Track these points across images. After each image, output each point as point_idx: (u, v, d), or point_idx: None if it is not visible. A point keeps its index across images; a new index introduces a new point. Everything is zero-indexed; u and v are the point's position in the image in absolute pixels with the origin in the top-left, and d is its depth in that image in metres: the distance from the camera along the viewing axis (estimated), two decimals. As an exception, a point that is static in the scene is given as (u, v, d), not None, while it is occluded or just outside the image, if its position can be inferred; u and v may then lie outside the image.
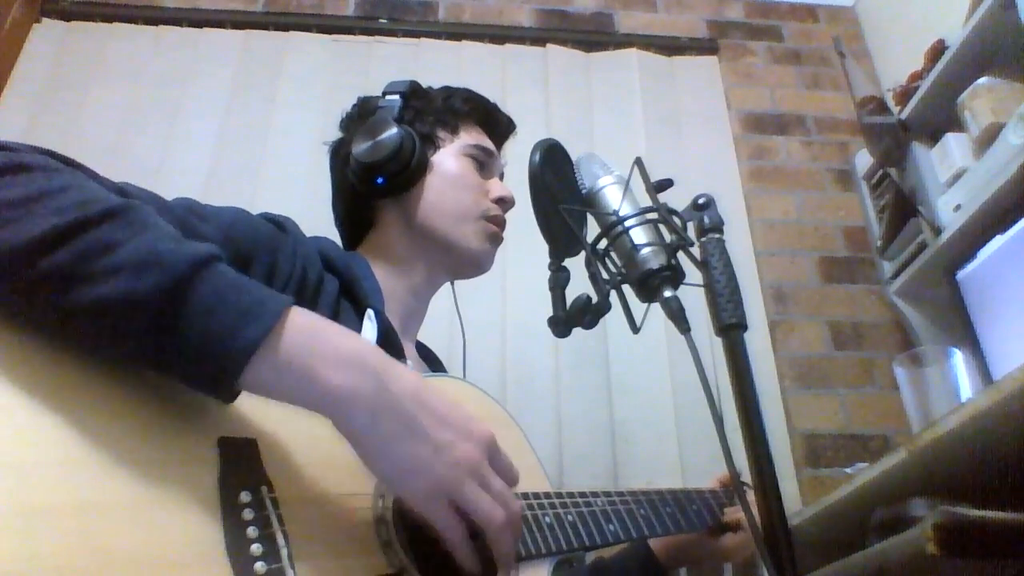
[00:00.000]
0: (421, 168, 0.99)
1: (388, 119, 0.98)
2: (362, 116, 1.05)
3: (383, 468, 0.58)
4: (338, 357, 0.57)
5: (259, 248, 0.78)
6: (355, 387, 0.57)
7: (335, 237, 1.06)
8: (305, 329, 0.57)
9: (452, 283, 1.10)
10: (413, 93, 1.06)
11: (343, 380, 0.56)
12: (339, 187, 1.07)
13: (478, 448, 0.61)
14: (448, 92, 1.09)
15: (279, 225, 0.86)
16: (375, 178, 0.97)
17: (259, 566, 0.54)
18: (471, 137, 1.06)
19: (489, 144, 1.08)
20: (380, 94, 1.06)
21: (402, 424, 0.58)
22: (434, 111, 1.05)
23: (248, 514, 0.56)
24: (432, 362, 1.08)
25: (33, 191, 0.53)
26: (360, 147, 0.97)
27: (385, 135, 0.97)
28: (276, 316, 0.55)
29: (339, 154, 1.06)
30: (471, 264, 1.03)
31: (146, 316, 0.51)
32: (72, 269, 0.51)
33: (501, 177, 1.10)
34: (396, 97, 1.02)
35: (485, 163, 1.06)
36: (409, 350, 0.98)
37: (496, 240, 1.04)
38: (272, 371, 0.55)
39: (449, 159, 1.03)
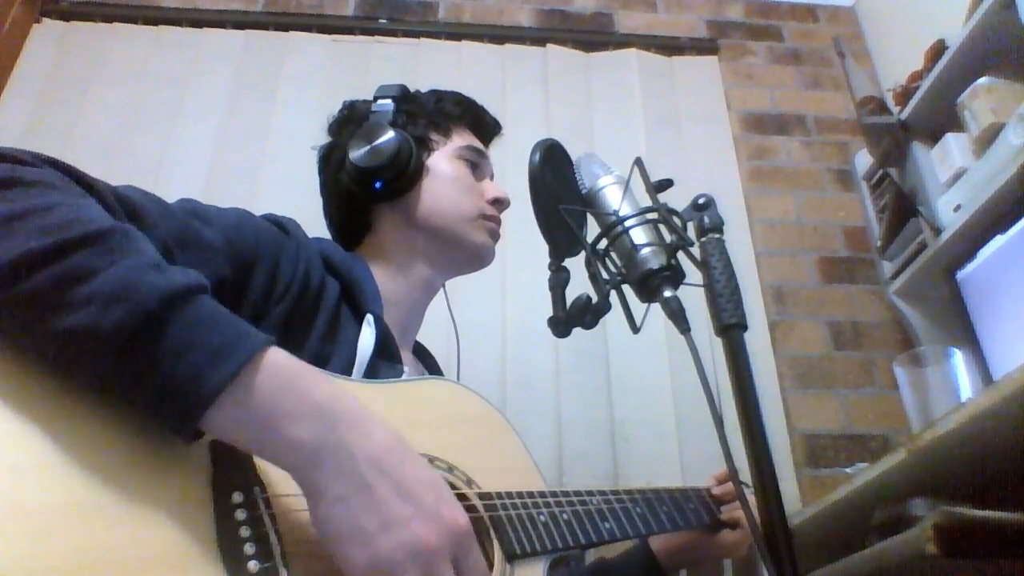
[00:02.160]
0: (418, 172, 1.00)
1: (384, 123, 0.99)
2: (353, 120, 1.05)
3: (324, 531, 0.54)
4: (304, 408, 0.55)
5: (262, 251, 0.78)
6: (316, 443, 0.54)
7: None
8: (274, 375, 0.55)
9: (444, 286, 1.10)
10: (404, 97, 1.06)
11: (303, 434, 0.54)
12: (332, 192, 1.07)
13: (437, 534, 0.55)
14: (438, 95, 1.10)
15: (282, 227, 0.85)
16: (373, 182, 0.97)
17: (252, 565, 0.54)
18: (463, 139, 1.07)
19: (480, 145, 1.09)
20: (370, 98, 1.06)
21: (355, 488, 0.54)
22: (426, 114, 1.05)
23: (241, 514, 0.56)
24: (430, 364, 1.08)
25: (19, 208, 0.53)
26: (357, 152, 0.97)
27: (382, 140, 0.97)
28: (243, 361, 0.53)
29: (331, 159, 1.06)
30: (474, 258, 1.05)
31: (111, 350, 0.50)
32: (45, 296, 0.51)
33: (492, 177, 1.11)
34: (388, 101, 1.03)
35: (478, 164, 1.07)
36: (406, 355, 0.98)
37: (495, 236, 1.05)
38: (233, 418, 0.53)
39: (443, 162, 1.03)
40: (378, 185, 0.97)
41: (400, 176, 0.97)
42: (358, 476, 0.54)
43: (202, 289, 0.56)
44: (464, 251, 1.03)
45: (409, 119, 1.04)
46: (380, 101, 1.03)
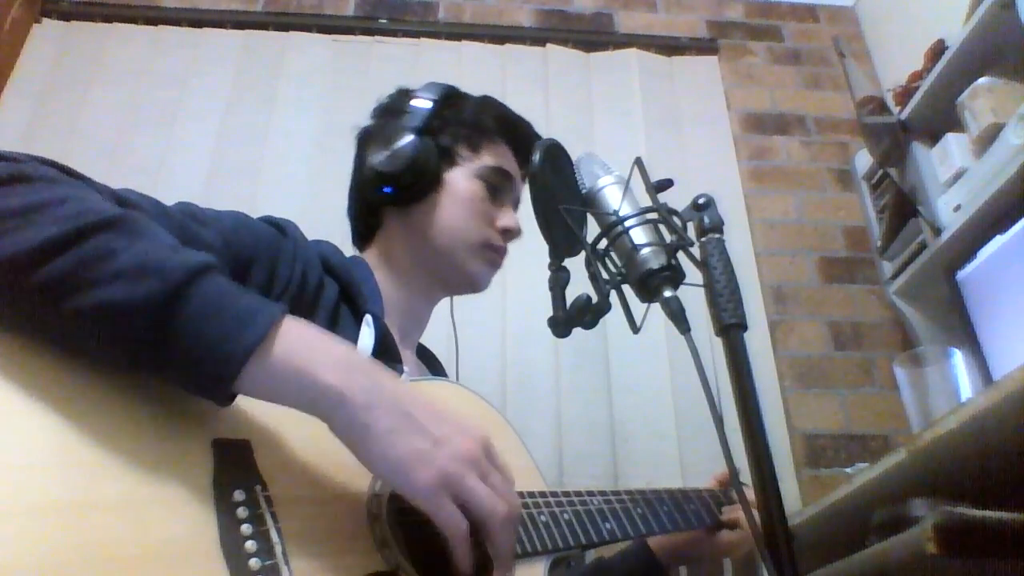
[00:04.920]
0: (431, 185, 0.98)
1: (409, 127, 0.97)
2: (392, 111, 1.04)
3: (383, 464, 0.58)
4: (331, 358, 0.59)
5: (259, 252, 0.78)
6: (349, 386, 0.58)
7: (335, 238, 1.06)
8: (299, 335, 0.59)
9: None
10: (447, 99, 1.03)
11: (338, 379, 0.57)
12: (356, 179, 1.06)
13: (476, 442, 0.61)
14: (481, 106, 1.06)
15: (280, 229, 0.85)
16: (383, 187, 0.96)
17: (254, 563, 0.54)
18: (492, 157, 1.03)
19: (510, 166, 1.05)
20: (418, 89, 1.04)
21: (399, 418, 0.58)
22: (461, 124, 1.02)
23: (242, 512, 0.56)
24: (434, 366, 1.08)
25: (33, 201, 0.54)
26: (374, 152, 0.97)
27: (401, 145, 0.96)
28: (271, 322, 0.57)
29: (363, 146, 1.05)
30: (464, 284, 1.04)
31: (144, 321, 0.52)
32: (70, 277, 0.52)
33: (517, 204, 1.07)
34: (428, 103, 1.00)
35: (499, 187, 1.03)
36: (408, 356, 0.98)
37: (495, 266, 1.03)
38: (268, 374, 0.56)
39: (462, 180, 1.00)
40: (387, 190, 0.97)
41: (411, 186, 0.96)
42: (398, 409, 0.59)
43: (217, 266, 0.58)
44: (456, 275, 1.01)
45: (442, 125, 1.01)
46: (420, 100, 1.01)
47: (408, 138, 0.96)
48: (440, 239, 0.99)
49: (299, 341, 0.58)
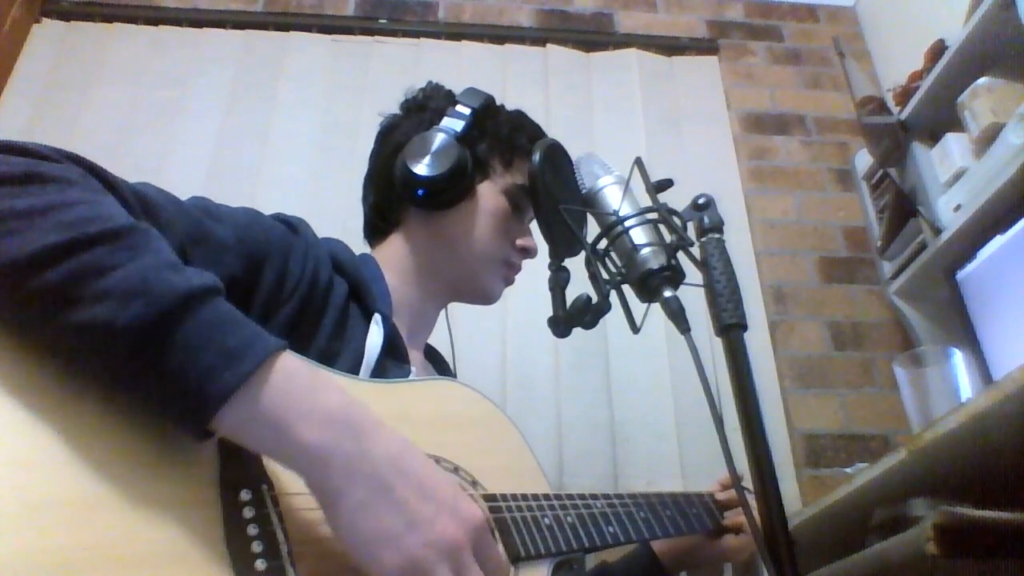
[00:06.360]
0: (464, 195, 0.98)
1: (451, 134, 0.96)
2: (427, 109, 1.03)
3: (350, 537, 0.54)
4: (318, 412, 0.55)
5: (271, 250, 0.78)
6: (331, 446, 0.54)
7: (336, 237, 1.06)
8: (289, 378, 0.55)
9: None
10: (485, 110, 1.02)
11: (318, 437, 0.54)
12: (379, 172, 1.04)
13: (461, 529, 0.56)
14: (517, 123, 1.06)
15: (292, 227, 0.85)
16: (417, 190, 0.95)
17: (259, 563, 0.54)
18: (522, 176, 1.03)
19: None
20: (456, 93, 1.03)
21: (377, 491, 0.54)
22: (497, 138, 1.02)
23: (248, 512, 0.56)
24: (441, 367, 1.08)
25: (40, 203, 0.53)
26: (413, 153, 0.95)
27: (443, 151, 0.95)
28: (258, 362, 0.53)
29: (391, 136, 1.04)
30: (478, 297, 1.05)
31: (125, 346, 0.50)
32: (61, 291, 0.51)
33: (531, 220, 1.08)
34: (467, 111, 0.99)
35: (523, 207, 1.04)
36: (416, 357, 0.98)
37: (508, 282, 1.05)
38: (245, 419, 0.53)
39: (491, 194, 1.00)
40: (421, 193, 0.95)
41: (444, 193, 0.96)
42: (377, 479, 0.55)
43: (218, 291, 0.56)
44: (471, 287, 1.02)
45: (479, 136, 1.01)
46: (460, 106, 1.00)
47: (449, 145, 0.95)
48: (463, 250, 0.99)
49: (287, 385, 0.54)
